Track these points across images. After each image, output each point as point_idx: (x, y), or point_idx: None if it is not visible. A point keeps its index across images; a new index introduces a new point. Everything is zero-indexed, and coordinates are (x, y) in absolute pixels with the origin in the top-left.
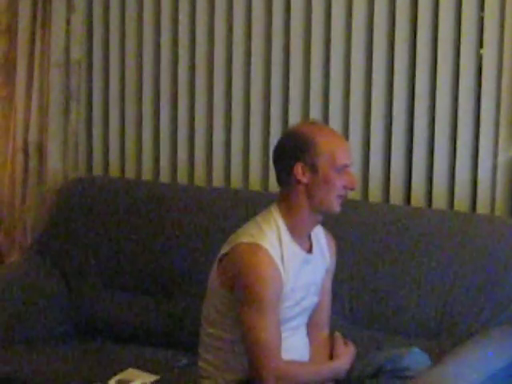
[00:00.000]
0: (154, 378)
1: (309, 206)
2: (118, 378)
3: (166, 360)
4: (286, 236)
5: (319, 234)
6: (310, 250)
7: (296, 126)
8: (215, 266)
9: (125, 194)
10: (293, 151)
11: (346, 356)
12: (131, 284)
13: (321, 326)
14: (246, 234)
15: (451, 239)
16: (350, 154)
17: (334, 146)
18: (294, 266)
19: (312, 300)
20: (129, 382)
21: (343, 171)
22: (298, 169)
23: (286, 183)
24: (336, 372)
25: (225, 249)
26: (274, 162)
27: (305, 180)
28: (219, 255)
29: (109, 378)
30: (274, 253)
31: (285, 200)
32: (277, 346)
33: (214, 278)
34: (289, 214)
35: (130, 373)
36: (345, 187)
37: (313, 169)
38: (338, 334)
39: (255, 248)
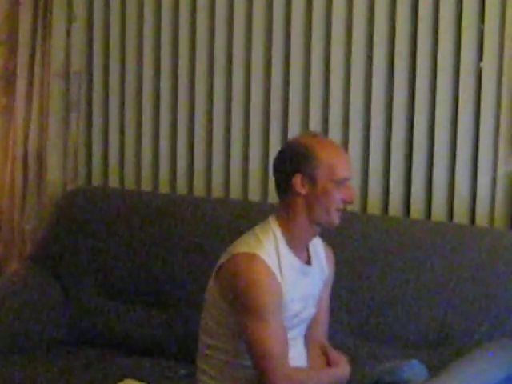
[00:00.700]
0: None
1: (307, 217)
2: None
3: (164, 370)
4: (283, 247)
5: (318, 246)
6: (308, 262)
7: (296, 138)
8: (213, 276)
9: (124, 205)
10: (292, 162)
11: (345, 363)
12: (129, 294)
13: (319, 337)
14: (243, 244)
15: (450, 252)
16: (349, 167)
17: (334, 159)
18: (292, 277)
19: (310, 312)
20: None
21: (342, 184)
22: (298, 180)
23: (285, 194)
24: (340, 377)
25: (222, 259)
26: (274, 172)
27: (303, 192)
28: (217, 266)
29: None
30: (271, 263)
31: (283, 211)
32: (284, 353)
33: (211, 289)
34: (287, 224)
35: (127, 383)
36: (343, 200)
37: (312, 181)
38: (326, 343)
39: (252, 258)
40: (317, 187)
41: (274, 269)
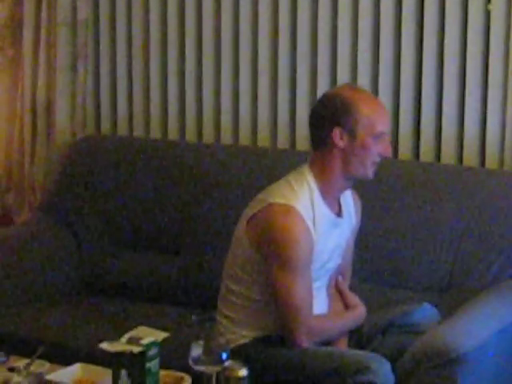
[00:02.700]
0: (164, 335)
1: (343, 170)
2: (129, 335)
3: (177, 317)
4: (318, 198)
5: (346, 195)
6: (339, 213)
7: (336, 90)
8: (243, 224)
9: (133, 152)
10: (332, 115)
11: (361, 306)
12: (141, 241)
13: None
14: (278, 195)
15: (460, 194)
16: (388, 121)
17: (374, 113)
18: (324, 229)
19: (336, 262)
20: (140, 339)
21: (380, 138)
22: (337, 133)
23: (322, 146)
24: (358, 319)
25: (255, 208)
26: (310, 124)
27: (342, 145)
28: (248, 214)
29: (120, 336)
30: (306, 215)
31: (319, 163)
32: (309, 306)
33: (241, 237)
34: (322, 176)
35: (141, 330)
36: (380, 154)
37: (351, 134)
38: (343, 288)
39: (288, 209)
40: (355, 141)
41: (309, 221)
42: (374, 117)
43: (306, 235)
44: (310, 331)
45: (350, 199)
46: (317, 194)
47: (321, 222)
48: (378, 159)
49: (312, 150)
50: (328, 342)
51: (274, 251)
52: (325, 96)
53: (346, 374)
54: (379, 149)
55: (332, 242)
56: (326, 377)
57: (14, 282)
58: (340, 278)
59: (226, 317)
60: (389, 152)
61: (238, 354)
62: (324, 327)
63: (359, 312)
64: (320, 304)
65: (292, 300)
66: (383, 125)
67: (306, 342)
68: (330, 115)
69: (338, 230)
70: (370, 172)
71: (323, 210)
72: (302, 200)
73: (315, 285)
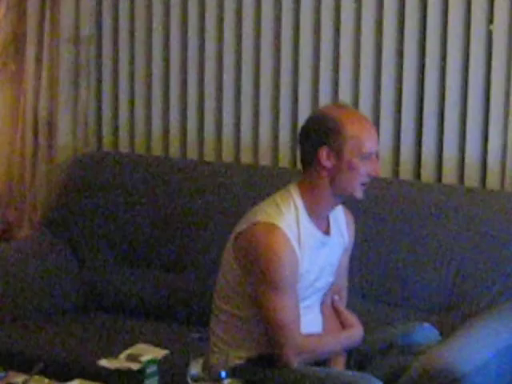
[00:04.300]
0: (163, 352)
1: (331, 190)
2: (127, 352)
3: (176, 335)
4: (304, 217)
5: (338, 213)
6: (327, 231)
7: (324, 109)
8: (230, 243)
9: (134, 170)
10: (319, 135)
11: (358, 325)
12: (141, 259)
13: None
14: (263, 213)
15: (461, 214)
16: (376, 140)
17: (362, 133)
18: (311, 248)
19: (326, 280)
20: (139, 356)
21: (368, 158)
22: (323, 153)
23: (309, 165)
24: (354, 339)
25: (241, 227)
26: (299, 143)
27: (329, 165)
28: (235, 233)
29: (119, 353)
30: (291, 234)
31: (306, 181)
32: (296, 324)
33: (229, 256)
34: (309, 195)
35: (139, 348)
36: (369, 175)
37: (338, 154)
38: (339, 306)
39: (272, 228)
40: (342, 161)
41: (294, 240)
42: (361, 137)
43: (289, 254)
44: (299, 350)
45: (342, 216)
46: (303, 212)
47: (306, 241)
48: (366, 180)
49: (302, 169)
50: (325, 362)
51: (259, 270)
52: (313, 115)
53: None
54: (368, 169)
55: (320, 260)
56: None
57: (13, 297)
58: (336, 297)
59: (219, 337)
60: (377, 172)
61: (234, 374)
62: (313, 346)
63: (355, 332)
64: (311, 323)
65: (278, 319)
66: (371, 145)
67: (294, 361)
68: (317, 135)
69: (327, 249)
70: (358, 193)
71: (309, 229)
72: (287, 219)
73: (304, 303)
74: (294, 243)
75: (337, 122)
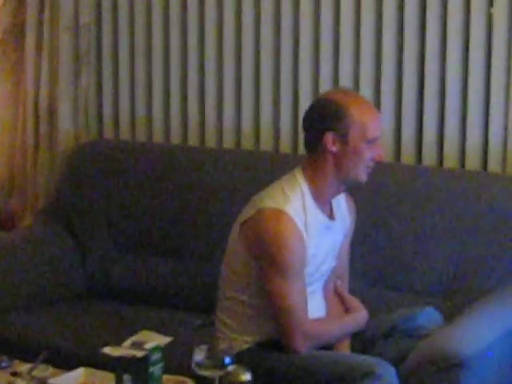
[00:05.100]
0: (168, 339)
1: (335, 174)
2: (132, 339)
3: (180, 321)
4: (310, 202)
5: (339, 197)
6: (331, 216)
7: (328, 94)
8: (237, 228)
9: (135, 157)
10: (324, 120)
11: (362, 308)
12: (143, 246)
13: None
14: (270, 199)
15: (463, 198)
16: (381, 125)
17: (367, 118)
18: (317, 232)
19: (330, 264)
20: (143, 343)
21: (373, 143)
22: (329, 138)
23: (314, 150)
24: (358, 323)
25: (248, 212)
26: (304, 128)
27: (334, 149)
28: (241, 219)
29: (123, 340)
30: (298, 219)
31: (311, 166)
32: (303, 310)
33: (235, 241)
34: (314, 180)
35: (144, 334)
36: (373, 159)
37: (343, 139)
38: (342, 291)
39: (279, 215)
40: (348, 146)
41: (301, 225)
42: (366, 122)
43: (297, 240)
44: (306, 335)
45: (343, 201)
46: (309, 197)
47: (313, 226)
48: (371, 164)
49: (306, 154)
50: (330, 346)
51: (266, 257)
52: (317, 100)
53: (352, 379)
54: (372, 153)
55: (325, 244)
56: (331, 382)
57: (16, 286)
58: (339, 281)
59: (225, 323)
60: (382, 156)
61: (240, 359)
62: (321, 331)
63: (360, 315)
64: (316, 307)
65: (286, 305)
66: (376, 130)
67: (303, 347)
68: (323, 120)
69: (331, 233)
70: (363, 176)
71: (315, 214)
72: (294, 204)
73: (310, 288)
74: (301, 229)
75: (342, 107)
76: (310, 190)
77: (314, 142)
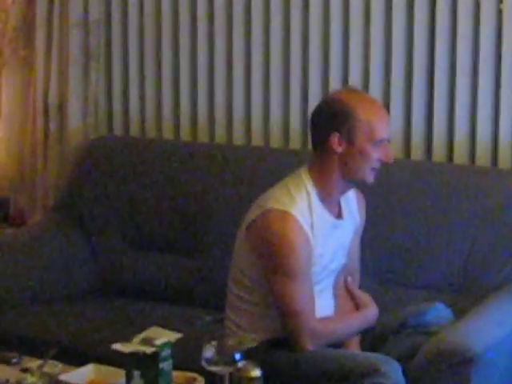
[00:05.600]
0: (177, 335)
1: (341, 175)
2: (142, 336)
3: (190, 318)
4: (316, 202)
5: (349, 194)
6: (339, 214)
7: (335, 94)
8: (243, 229)
9: (145, 153)
10: (330, 120)
11: (373, 304)
12: (154, 242)
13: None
14: (275, 200)
15: (473, 194)
16: (389, 127)
17: (374, 119)
18: (323, 232)
19: (339, 262)
20: (153, 340)
21: (380, 144)
22: (335, 139)
23: (320, 150)
24: (368, 319)
25: (254, 213)
26: (311, 127)
27: (339, 150)
28: (247, 220)
29: (132, 337)
30: (304, 221)
31: (317, 166)
32: (311, 310)
33: (242, 242)
34: (320, 180)
35: (154, 331)
36: (380, 160)
37: (349, 140)
38: (352, 287)
39: (285, 216)
40: (354, 147)
41: (306, 226)
42: (373, 123)
43: (303, 241)
44: (314, 335)
45: (353, 197)
46: (315, 197)
47: (319, 226)
48: (377, 165)
49: (312, 153)
50: (339, 344)
51: (272, 258)
52: (324, 100)
53: (357, 376)
54: (379, 155)
55: (333, 243)
56: (337, 380)
57: (26, 282)
58: (349, 278)
59: (233, 322)
60: (389, 158)
61: (248, 357)
62: (328, 330)
63: (370, 312)
64: (324, 306)
65: (292, 305)
66: (383, 131)
67: (310, 347)
68: (329, 120)
69: (339, 232)
70: (369, 177)
71: (322, 214)
72: (300, 205)
73: (318, 287)
74: (307, 230)
75: (348, 107)
76: (315, 191)
77: (319, 142)
